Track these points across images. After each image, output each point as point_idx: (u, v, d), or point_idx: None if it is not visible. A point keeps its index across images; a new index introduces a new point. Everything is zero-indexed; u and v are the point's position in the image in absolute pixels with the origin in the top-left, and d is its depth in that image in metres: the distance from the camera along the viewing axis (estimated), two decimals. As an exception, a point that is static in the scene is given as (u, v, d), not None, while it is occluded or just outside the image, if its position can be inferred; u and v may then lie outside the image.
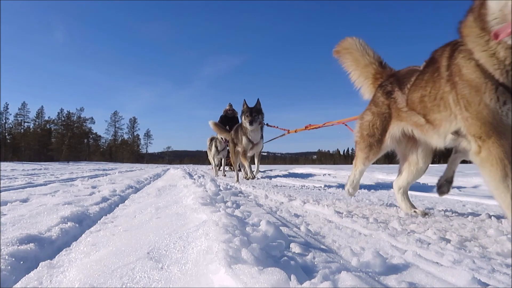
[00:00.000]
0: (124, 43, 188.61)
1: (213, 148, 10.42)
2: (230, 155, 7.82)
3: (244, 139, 6.44)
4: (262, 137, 6.61)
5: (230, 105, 12.75)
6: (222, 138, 9.78)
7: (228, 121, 11.44)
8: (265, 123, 6.58)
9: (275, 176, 8.83)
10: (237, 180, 6.73)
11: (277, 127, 6.72)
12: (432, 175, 7.03)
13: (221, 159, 11.01)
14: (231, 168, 12.96)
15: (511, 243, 1.66)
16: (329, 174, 9.44)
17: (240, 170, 7.97)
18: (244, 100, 6.40)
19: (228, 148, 10.31)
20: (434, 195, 4.11)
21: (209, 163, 12.90)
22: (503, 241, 1.73)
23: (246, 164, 6.63)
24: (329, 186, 5.28)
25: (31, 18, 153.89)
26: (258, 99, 6.57)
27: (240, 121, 11.43)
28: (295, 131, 6.07)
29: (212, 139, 11.13)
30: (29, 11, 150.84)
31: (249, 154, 6.68)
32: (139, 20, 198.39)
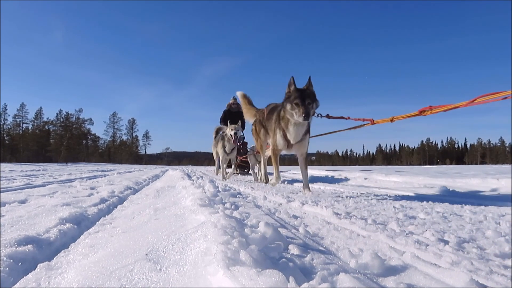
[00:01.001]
0: (123, 44, 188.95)
1: (221, 150, 8.44)
2: (256, 144, 5.88)
3: (278, 135, 4.29)
4: (308, 132, 4.29)
5: (235, 99, 11.34)
6: (231, 136, 7.96)
7: (232, 117, 9.89)
8: (322, 114, 4.38)
9: (293, 181, 7.56)
10: (266, 181, 5.42)
11: (348, 117, 4.35)
12: (431, 177, 7.05)
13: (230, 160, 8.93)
14: (238, 171, 11.39)
15: (510, 245, 1.67)
16: (365, 178, 7.95)
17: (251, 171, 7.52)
18: (293, 77, 4.01)
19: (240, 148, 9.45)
20: (433, 196, 4.12)
21: (213, 164, 11.25)
22: (501, 242, 1.73)
23: (275, 164, 4.53)
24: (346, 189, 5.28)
25: (30, 18, 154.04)
26: (309, 78, 4.12)
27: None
28: (391, 120, 3.89)
29: (218, 131, 9.47)
30: (29, 10, 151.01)
31: (286, 151, 4.53)
32: (139, 20, 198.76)
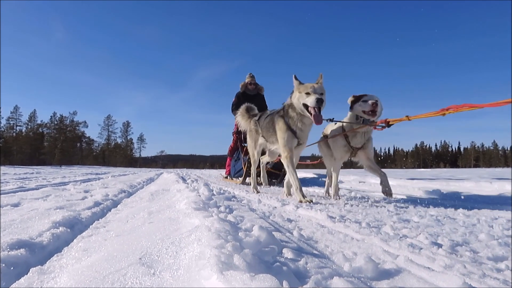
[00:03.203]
0: (119, 46, 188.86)
1: (286, 134, 3.99)
2: None
3: None
4: None
5: (252, 77, 8.27)
6: (311, 107, 3.68)
7: (249, 101, 6.11)
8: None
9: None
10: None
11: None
12: (425, 180, 7.08)
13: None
14: (269, 180, 6.95)
15: (503, 248, 1.68)
16: (360, 181, 7.09)
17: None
18: None
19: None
20: (428, 199, 4.13)
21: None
22: (494, 245, 1.74)
23: None
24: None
25: (30, 19, 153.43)
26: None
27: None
28: (408, 119, 3.26)
29: (248, 110, 5.45)
30: (29, 12, 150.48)
31: None
32: (135, 22, 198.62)
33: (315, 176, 9.85)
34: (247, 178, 7.20)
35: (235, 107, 7.76)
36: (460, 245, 1.73)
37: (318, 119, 3.69)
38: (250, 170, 5.41)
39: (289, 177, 4.07)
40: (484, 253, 1.60)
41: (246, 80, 8.35)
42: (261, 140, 4.89)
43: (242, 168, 7.51)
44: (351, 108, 4.04)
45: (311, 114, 3.72)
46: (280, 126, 4.11)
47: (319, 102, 3.64)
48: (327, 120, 4.04)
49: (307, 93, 3.72)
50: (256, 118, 5.05)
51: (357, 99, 3.96)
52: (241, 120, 5.49)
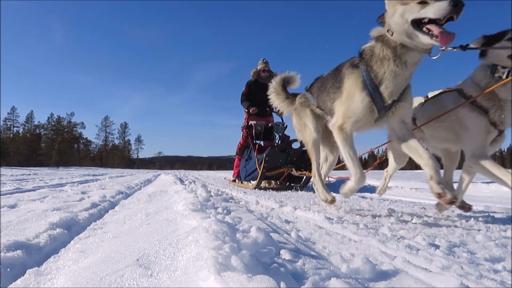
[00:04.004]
0: (116, 48, 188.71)
1: (360, 92, 2.32)
2: None
3: None
4: None
5: (266, 63, 7.20)
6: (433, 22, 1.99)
7: (261, 91, 5.43)
8: None
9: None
10: None
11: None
12: (422, 181, 7.09)
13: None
14: (274, 183, 6.77)
15: (500, 249, 1.68)
16: None
17: None
18: None
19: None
20: (425, 200, 4.14)
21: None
22: (491, 246, 1.75)
23: None
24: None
25: (29, 21, 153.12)
26: None
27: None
28: None
29: (284, 84, 3.72)
30: (28, 13, 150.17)
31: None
32: (132, 25, 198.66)
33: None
34: (263, 182, 6.47)
35: (244, 98, 7.12)
36: (457, 246, 1.73)
37: (449, 36, 1.98)
38: (313, 168, 3.33)
39: (345, 161, 2.62)
40: (481, 254, 1.60)
41: (259, 67, 7.14)
42: (317, 112, 3.11)
43: (257, 169, 6.25)
44: (483, 55, 2.45)
45: (431, 35, 2.01)
46: (350, 81, 2.45)
47: (458, 6, 1.91)
48: (454, 48, 2.30)
49: (422, 2, 2.05)
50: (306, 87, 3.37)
51: (493, 40, 2.36)
52: (276, 101, 3.71)
